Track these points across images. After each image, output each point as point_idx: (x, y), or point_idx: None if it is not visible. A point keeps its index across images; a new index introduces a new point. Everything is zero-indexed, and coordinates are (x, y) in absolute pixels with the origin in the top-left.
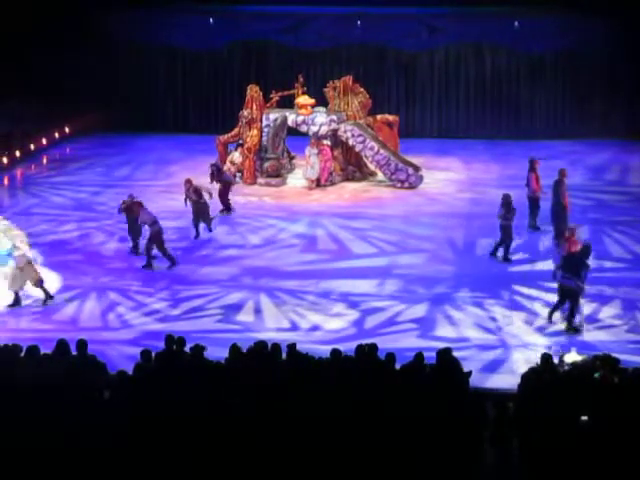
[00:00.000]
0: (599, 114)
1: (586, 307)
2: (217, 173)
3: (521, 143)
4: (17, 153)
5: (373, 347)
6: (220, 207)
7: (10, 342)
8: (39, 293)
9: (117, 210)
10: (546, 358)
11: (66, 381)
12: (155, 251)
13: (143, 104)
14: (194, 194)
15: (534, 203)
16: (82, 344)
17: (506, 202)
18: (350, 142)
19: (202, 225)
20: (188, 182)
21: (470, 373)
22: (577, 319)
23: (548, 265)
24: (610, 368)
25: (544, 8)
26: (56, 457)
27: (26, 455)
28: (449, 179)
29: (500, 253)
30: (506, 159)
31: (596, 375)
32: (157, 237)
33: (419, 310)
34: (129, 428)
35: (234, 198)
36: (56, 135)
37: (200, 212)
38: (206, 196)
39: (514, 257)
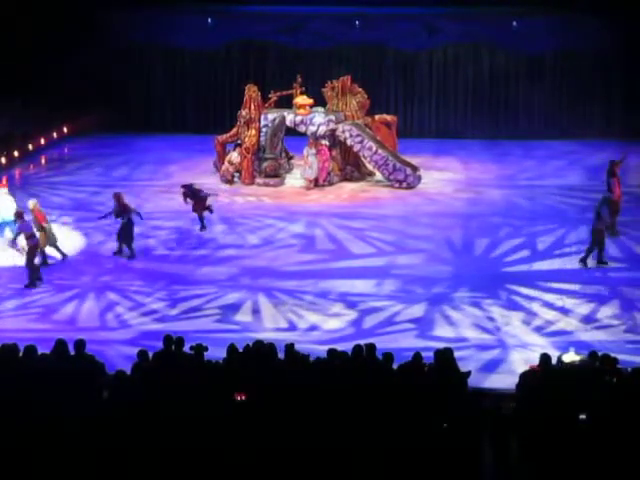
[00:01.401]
0: (598, 114)
1: (584, 307)
2: (192, 195)
3: (519, 143)
4: (16, 153)
5: (371, 347)
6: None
7: (8, 342)
8: None
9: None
10: (545, 358)
11: (64, 381)
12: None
13: (142, 104)
14: (121, 209)
15: (615, 207)
16: (80, 344)
17: (606, 202)
18: (348, 142)
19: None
20: (116, 196)
21: (469, 373)
22: None
23: (547, 265)
24: (609, 368)
25: (542, 8)
26: (54, 457)
27: (24, 455)
28: (447, 179)
29: (592, 258)
30: (504, 159)
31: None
32: (32, 251)
33: (417, 310)
34: (128, 428)
35: (232, 198)
36: (54, 135)
37: (123, 231)
38: (135, 217)
39: (514, 257)
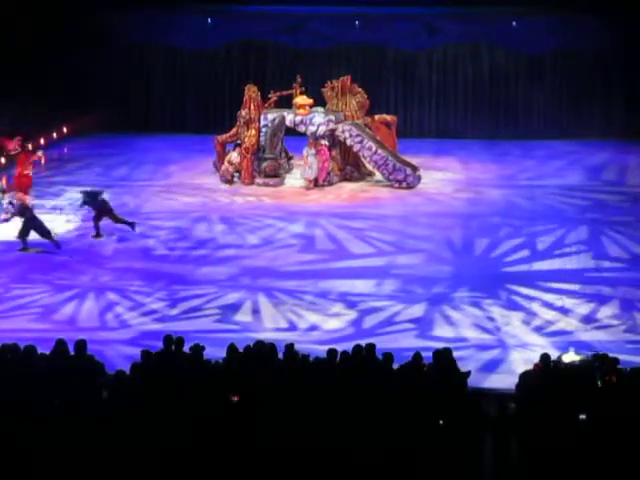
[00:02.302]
0: (597, 114)
1: (584, 307)
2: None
3: (519, 143)
4: None
5: (371, 347)
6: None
7: (8, 342)
8: None
9: None
10: (545, 358)
11: (64, 381)
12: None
13: (142, 104)
14: (23, 208)
15: None
16: (81, 344)
17: None
18: (348, 142)
19: None
20: (19, 197)
21: (469, 373)
22: None
23: (547, 265)
24: (609, 368)
25: (542, 8)
26: (54, 457)
27: (24, 455)
28: (447, 179)
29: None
30: (504, 159)
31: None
32: None
33: (417, 310)
34: (127, 428)
35: (232, 198)
36: (54, 135)
37: (30, 227)
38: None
39: (514, 257)
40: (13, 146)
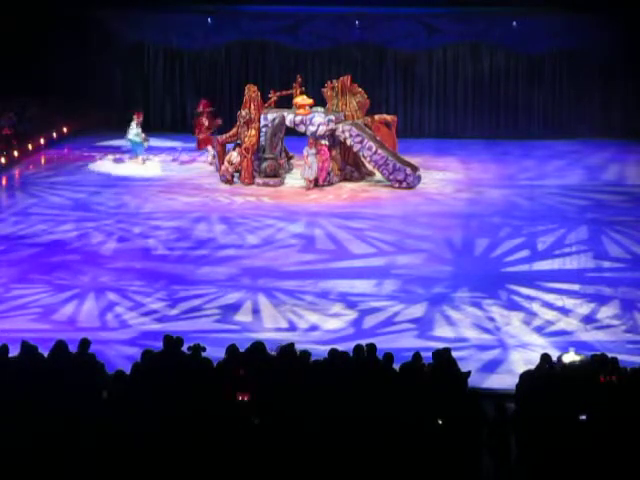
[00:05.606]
0: (597, 114)
1: (584, 307)
2: None
3: (519, 143)
4: (16, 153)
5: (372, 347)
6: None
7: (8, 342)
8: None
9: None
10: (545, 358)
11: (64, 381)
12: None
13: (142, 104)
14: None
15: None
16: (85, 343)
17: None
18: (348, 142)
19: None
20: None
21: (469, 373)
22: None
23: (547, 265)
24: (609, 368)
25: (543, 9)
26: (53, 457)
27: (23, 456)
28: (447, 179)
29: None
30: (504, 159)
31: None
32: None
33: (417, 310)
34: (127, 429)
35: (232, 198)
36: (54, 135)
37: None
38: None
39: (514, 257)
40: (202, 108)
